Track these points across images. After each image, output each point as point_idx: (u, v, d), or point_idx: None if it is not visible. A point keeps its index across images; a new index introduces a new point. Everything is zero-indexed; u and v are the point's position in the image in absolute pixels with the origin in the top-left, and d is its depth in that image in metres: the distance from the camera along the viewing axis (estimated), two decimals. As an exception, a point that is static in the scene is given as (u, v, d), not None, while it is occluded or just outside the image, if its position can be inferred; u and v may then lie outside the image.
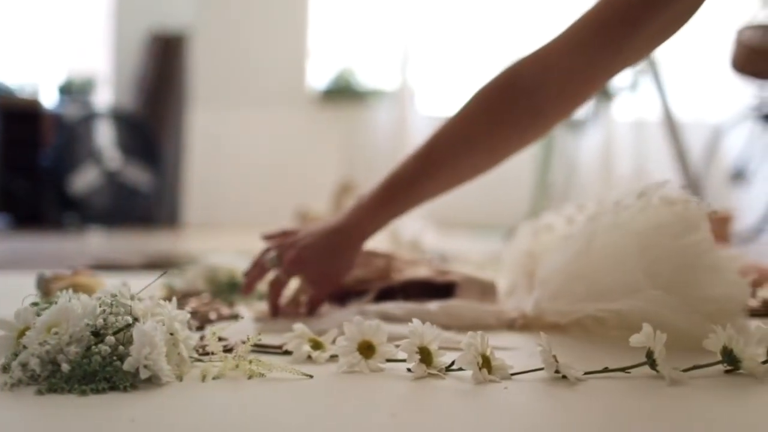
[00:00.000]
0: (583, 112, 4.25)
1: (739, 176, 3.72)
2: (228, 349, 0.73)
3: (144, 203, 4.21)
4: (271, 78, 4.40)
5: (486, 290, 1.00)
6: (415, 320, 0.70)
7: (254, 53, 4.37)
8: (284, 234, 0.98)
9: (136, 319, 0.68)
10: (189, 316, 0.75)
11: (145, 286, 0.77)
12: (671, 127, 3.61)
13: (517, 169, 4.28)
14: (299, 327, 0.77)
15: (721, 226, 2.02)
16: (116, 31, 4.63)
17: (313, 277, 0.95)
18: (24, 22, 4.66)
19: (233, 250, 1.98)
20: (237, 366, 0.68)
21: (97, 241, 3.31)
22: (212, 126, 4.33)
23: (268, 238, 0.99)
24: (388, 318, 0.88)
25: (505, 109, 0.90)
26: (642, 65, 3.99)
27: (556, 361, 0.67)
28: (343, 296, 1.00)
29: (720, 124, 3.79)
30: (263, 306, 1.04)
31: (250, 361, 0.68)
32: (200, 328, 0.93)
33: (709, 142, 3.72)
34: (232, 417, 0.56)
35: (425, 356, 0.69)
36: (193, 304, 1.08)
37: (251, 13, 4.34)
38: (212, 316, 1.00)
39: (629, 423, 0.56)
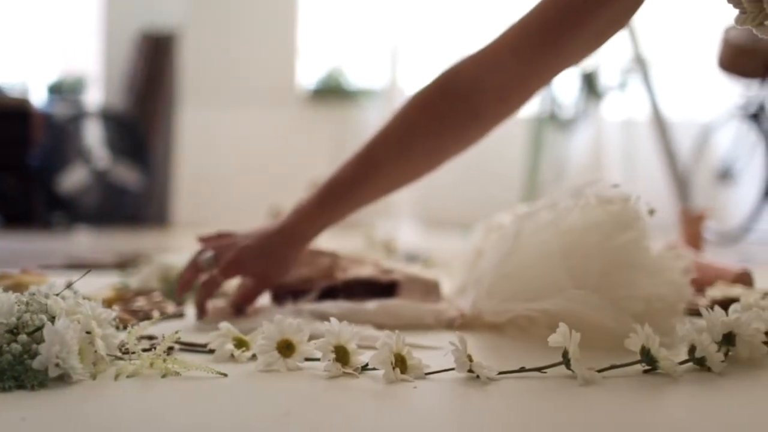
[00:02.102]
0: (572, 111, 4.25)
1: (725, 175, 3.71)
2: (149, 348, 0.73)
3: (133, 202, 4.21)
4: (261, 77, 4.40)
5: (429, 289, 0.99)
6: (332, 319, 0.70)
7: (244, 53, 4.37)
8: (220, 236, 0.98)
9: (53, 318, 0.68)
10: (114, 314, 0.75)
11: (68, 285, 0.77)
12: (660, 126, 3.61)
13: (507, 168, 4.28)
14: (225, 326, 0.76)
15: (694, 225, 2.01)
16: (106, 31, 4.63)
17: (249, 280, 0.94)
18: (15, 21, 4.66)
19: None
20: (152, 364, 0.68)
21: (83, 241, 3.32)
22: (202, 125, 4.33)
23: (203, 240, 0.99)
24: (324, 317, 0.88)
25: (443, 113, 0.89)
26: (631, 64, 3.98)
27: (470, 360, 0.66)
28: (286, 295, 1.00)
29: (709, 123, 3.78)
30: (212, 304, 1.04)
31: (164, 360, 0.68)
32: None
33: (698, 141, 3.71)
34: (125, 415, 0.56)
35: (342, 355, 0.68)
36: (140, 302, 1.08)
37: (241, 12, 4.34)
38: (155, 314, 1.00)
39: (528, 422, 0.56)
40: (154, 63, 4.46)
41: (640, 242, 0.83)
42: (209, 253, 0.94)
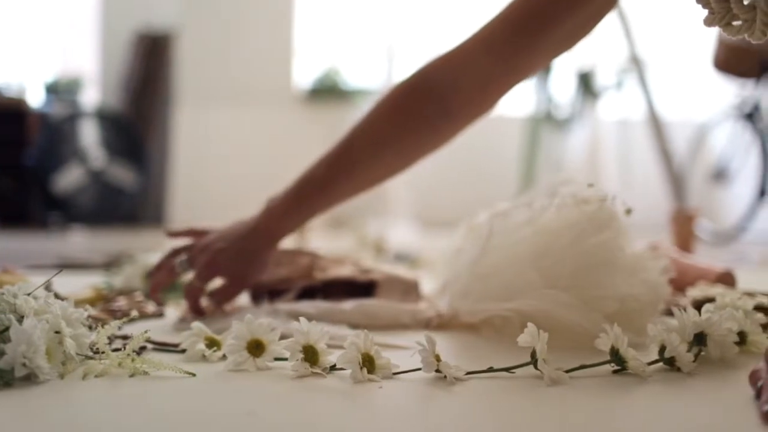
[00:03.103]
0: (568, 110, 4.25)
1: (721, 175, 3.70)
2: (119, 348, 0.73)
3: (129, 202, 4.21)
4: (257, 77, 4.40)
5: (408, 289, 0.99)
6: (301, 319, 0.70)
7: (240, 52, 4.37)
8: (191, 231, 0.98)
9: (22, 318, 0.68)
10: (86, 314, 0.75)
11: (43, 284, 0.77)
12: (656, 125, 3.61)
13: (504, 167, 4.28)
14: (197, 325, 0.76)
15: (685, 225, 2.00)
16: (103, 31, 4.63)
17: (226, 280, 0.94)
18: (11, 21, 4.66)
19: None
20: (120, 364, 0.68)
21: (78, 241, 3.32)
22: (198, 125, 4.33)
23: (173, 234, 0.98)
24: (300, 317, 0.88)
25: (417, 112, 0.89)
26: (627, 64, 3.98)
27: (438, 360, 0.66)
28: (266, 295, 1.00)
29: (704, 123, 3.78)
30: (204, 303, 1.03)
31: (133, 360, 0.68)
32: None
33: (693, 141, 3.71)
34: (88, 414, 0.56)
35: (310, 355, 0.68)
36: (121, 302, 1.08)
37: (237, 12, 4.34)
38: (134, 314, 0.99)
39: (490, 422, 0.56)
40: (150, 63, 4.46)
41: (615, 242, 0.83)
42: (183, 257, 0.94)
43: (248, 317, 0.71)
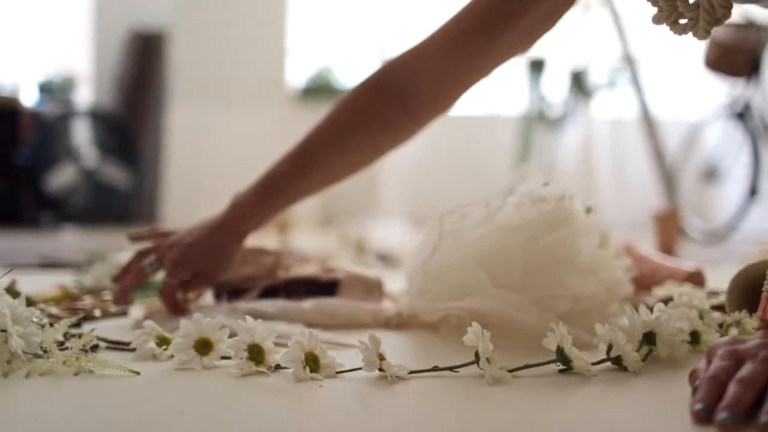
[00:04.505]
0: (561, 109, 4.24)
1: (712, 174, 3.70)
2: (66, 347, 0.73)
3: (122, 202, 4.21)
4: (251, 76, 4.40)
5: (371, 288, 0.99)
6: (247, 317, 0.70)
7: (233, 52, 4.36)
8: (156, 234, 0.98)
9: (-32, 316, 0.68)
10: (38, 312, 0.75)
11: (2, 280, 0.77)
12: (648, 124, 3.61)
13: (497, 166, 4.28)
14: (148, 324, 0.76)
15: (667, 224, 2.00)
16: (96, 30, 4.63)
17: (192, 275, 0.94)
18: (4, 21, 4.67)
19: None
20: (65, 362, 0.68)
21: (70, 240, 3.32)
22: (192, 124, 4.33)
23: (137, 237, 0.98)
24: (260, 316, 0.88)
25: (377, 110, 0.90)
26: (620, 63, 3.98)
27: (381, 359, 0.66)
28: (229, 293, 1.00)
29: (697, 122, 3.78)
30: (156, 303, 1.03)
31: (77, 358, 0.68)
32: (77, 324, 0.92)
33: (686, 140, 3.71)
34: (22, 412, 0.56)
35: (256, 353, 0.68)
36: (86, 301, 1.08)
37: (231, 11, 4.34)
38: (97, 313, 1.00)
39: (425, 420, 0.56)
40: (143, 62, 4.46)
41: (570, 241, 0.83)
42: (152, 258, 0.93)
43: (197, 315, 0.71)
